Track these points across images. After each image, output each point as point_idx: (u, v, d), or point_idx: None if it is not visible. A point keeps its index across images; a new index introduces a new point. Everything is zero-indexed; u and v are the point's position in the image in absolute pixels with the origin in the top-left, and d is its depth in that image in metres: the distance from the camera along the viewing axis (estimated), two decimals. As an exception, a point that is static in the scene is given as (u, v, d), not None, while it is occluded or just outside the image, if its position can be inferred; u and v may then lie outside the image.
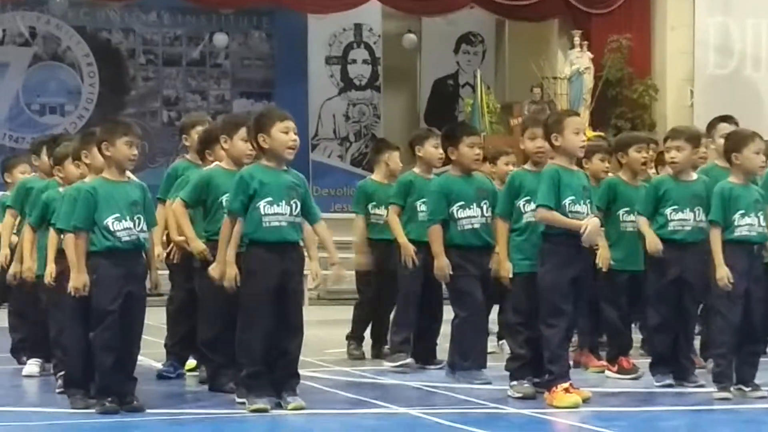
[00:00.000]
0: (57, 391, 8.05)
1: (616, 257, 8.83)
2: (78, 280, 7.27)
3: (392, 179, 9.95)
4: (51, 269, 7.92)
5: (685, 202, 8.34)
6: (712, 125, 9.57)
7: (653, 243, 8.27)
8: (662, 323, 8.41)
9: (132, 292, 7.33)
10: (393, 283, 9.61)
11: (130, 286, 7.32)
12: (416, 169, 9.60)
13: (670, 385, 8.37)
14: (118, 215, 7.31)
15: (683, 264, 8.32)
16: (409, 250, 9.32)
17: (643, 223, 8.41)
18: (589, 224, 7.60)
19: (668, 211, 8.36)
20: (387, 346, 9.84)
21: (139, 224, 7.38)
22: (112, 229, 7.29)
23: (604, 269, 8.70)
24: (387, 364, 9.46)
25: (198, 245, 8.12)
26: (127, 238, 7.33)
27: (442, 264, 8.62)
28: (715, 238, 7.92)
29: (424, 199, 9.20)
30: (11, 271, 8.97)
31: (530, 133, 8.21)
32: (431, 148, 9.43)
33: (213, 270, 7.50)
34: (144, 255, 7.49)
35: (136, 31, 21.61)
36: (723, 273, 7.82)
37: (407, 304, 9.46)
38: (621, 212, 8.97)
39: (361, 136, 22.11)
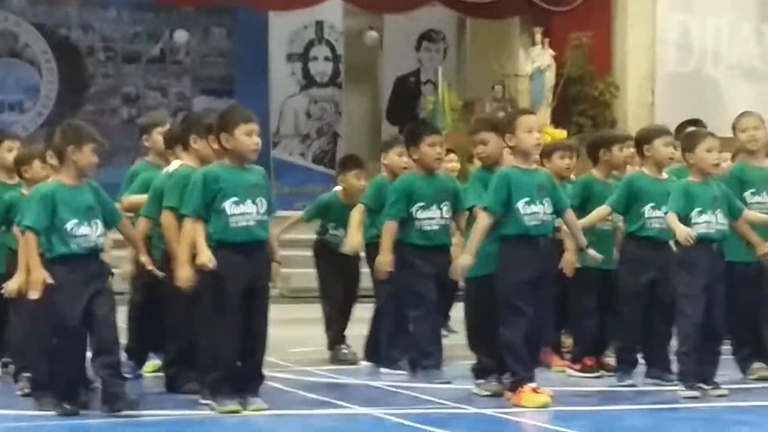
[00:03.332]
0: (18, 393, 8.02)
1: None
2: (36, 276, 7.13)
3: (350, 199, 9.82)
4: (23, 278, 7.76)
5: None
6: (680, 129, 9.60)
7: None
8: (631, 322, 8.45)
9: (96, 291, 7.22)
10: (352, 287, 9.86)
11: (92, 286, 7.23)
12: (384, 174, 9.55)
13: (632, 385, 8.40)
14: (76, 221, 7.23)
15: (660, 263, 8.33)
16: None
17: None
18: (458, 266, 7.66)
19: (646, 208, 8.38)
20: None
21: (96, 229, 7.28)
22: (72, 234, 7.21)
23: (568, 274, 8.67)
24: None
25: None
26: (86, 244, 7.24)
27: (387, 260, 8.63)
28: (672, 219, 7.89)
29: None
30: None
31: (479, 138, 8.24)
32: (395, 157, 9.42)
33: (182, 273, 7.35)
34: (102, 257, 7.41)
35: (95, 27, 21.46)
36: (683, 231, 7.77)
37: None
38: None
39: (322, 134, 22.06)
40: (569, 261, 8.66)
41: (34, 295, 7.15)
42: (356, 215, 9.35)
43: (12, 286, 7.40)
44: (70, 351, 7.22)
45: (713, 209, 7.97)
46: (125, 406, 7.15)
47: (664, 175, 8.53)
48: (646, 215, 8.36)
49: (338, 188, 10.11)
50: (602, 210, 8.53)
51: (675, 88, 19.75)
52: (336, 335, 9.96)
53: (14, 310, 8.06)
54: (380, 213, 9.03)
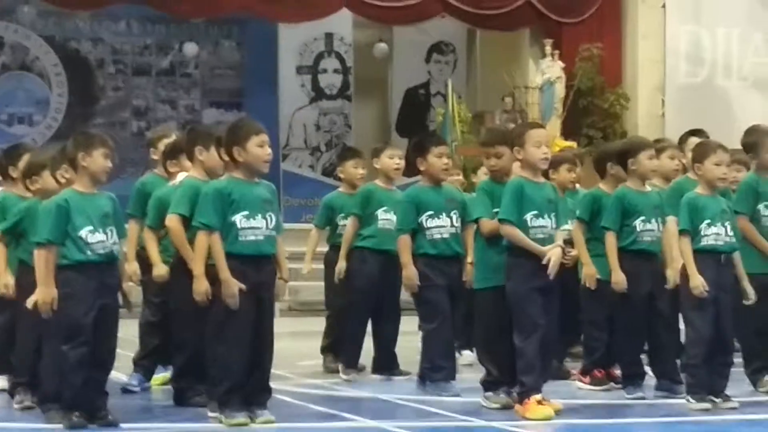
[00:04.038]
0: (16, 406, 8.00)
1: (598, 269, 8.75)
2: (47, 294, 7.17)
3: (352, 188, 9.98)
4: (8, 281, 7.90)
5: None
6: (683, 139, 9.61)
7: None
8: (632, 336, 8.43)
9: (106, 304, 7.24)
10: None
11: (103, 299, 7.23)
12: (377, 181, 9.72)
13: (642, 398, 8.36)
14: (91, 228, 7.23)
15: (654, 275, 8.34)
16: (342, 265, 9.60)
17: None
18: (552, 256, 7.57)
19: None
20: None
21: (111, 236, 7.30)
22: (87, 241, 7.21)
23: (591, 287, 8.66)
24: (342, 376, 9.52)
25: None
26: (101, 251, 7.25)
27: (411, 274, 8.63)
28: (686, 247, 7.91)
29: (384, 208, 9.43)
30: None
31: (493, 151, 8.23)
32: (387, 159, 9.62)
33: (198, 286, 7.33)
34: (117, 267, 7.42)
35: (105, 40, 21.51)
36: (697, 282, 7.81)
37: (357, 315, 9.60)
38: None
39: (332, 146, 22.07)
40: (590, 274, 8.64)
41: (45, 315, 7.17)
42: (349, 228, 9.64)
43: (34, 298, 7.29)
44: (79, 359, 7.18)
45: (722, 221, 7.95)
46: (104, 422, 7.21)
47: (648, 188, 8.53)
48: (638, 229, 8.36)
49: (339, 189, 10.25)
50: (611, 239, 8.41)
51: (686, 99, 19.72)
52: (330, 344, 10.04)
53: (19, 324, 8.02)
54: (366, 219, 9.50)
